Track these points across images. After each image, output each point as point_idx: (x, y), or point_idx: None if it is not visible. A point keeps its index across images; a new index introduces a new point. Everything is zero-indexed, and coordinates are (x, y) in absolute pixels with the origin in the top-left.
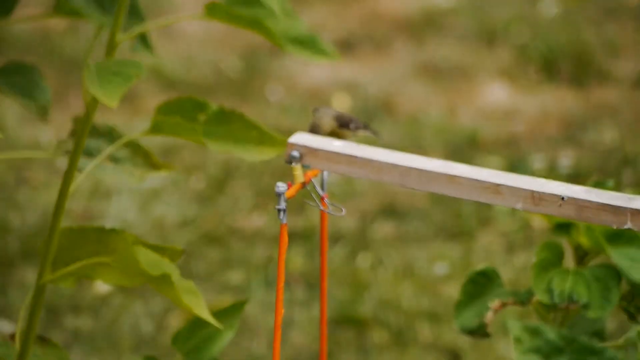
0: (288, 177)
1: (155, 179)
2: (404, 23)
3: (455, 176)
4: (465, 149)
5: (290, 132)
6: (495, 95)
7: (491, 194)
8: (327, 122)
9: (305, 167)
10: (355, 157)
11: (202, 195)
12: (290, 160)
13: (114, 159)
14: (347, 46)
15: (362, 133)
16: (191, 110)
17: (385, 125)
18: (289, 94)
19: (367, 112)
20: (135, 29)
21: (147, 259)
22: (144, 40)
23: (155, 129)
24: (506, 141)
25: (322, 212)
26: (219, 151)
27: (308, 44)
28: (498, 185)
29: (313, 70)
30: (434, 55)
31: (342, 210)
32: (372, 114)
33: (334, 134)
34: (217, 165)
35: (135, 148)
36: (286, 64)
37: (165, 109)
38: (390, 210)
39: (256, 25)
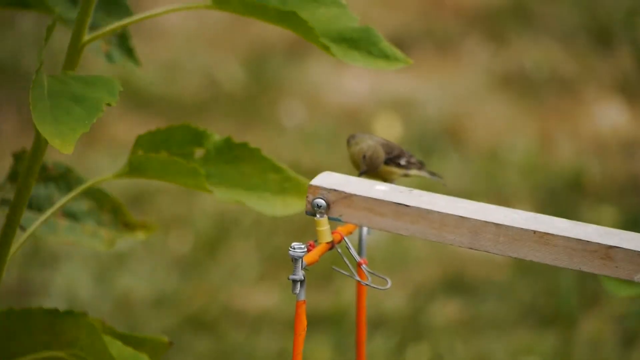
0: (309, 236)
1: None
2: (479, 15)
3: (548, 234)
4: (564, 196)
5: (314, 173)
6: (610, 119)
7: (600, 260)
8: (377, 149)
9: (334, 221)
10: (407, 206)
11: (186, 261)
12: (313, 210)
13: (70, 214)
14: (398, 47)
15: (415, 174)
16: (185, 143)
17: (451, 162)
18: (312, 115)
19: (425, 143)
20: (109, 25)
21: (119, 354)
22: (123, 43)
23: (135, 169)
24: (624, 185)
25: (358, 285)
26: (228, 201)
27: (361, 42)
28: (610, 247)
29: (347, 82)
30: (521, 61)
31: (387, 282)
32: (432, 145)
33: (376, 172)
34: (208, 218)
35: (100, 199)
36: (308, 72)
37: (148, 142)
38: (457, 284)
39: (287, 17)
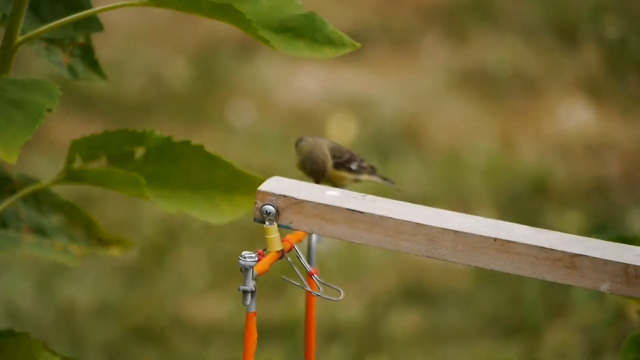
0: (260, 242)
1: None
2: (438, 10)
3: (509, 242)
4: (528, 200)
5: (263, 176)
6: (576, 119)
7: (564, 269)
8: (323, 156)
9: (284, 228)
10: (361, 213)
11: (131, 269)
12: (262, 218)
13: (39, 230)
14: None
15: (366, 179)
16: (123, 145)
17: (409, 165)
18: (262, 116)
19: (382, 145)
20: (43, 24)
21: None
22: (87, 55)
23: (73, 177)
24: (591, 188)
25: (308, 296)
26: (172, 211)
27: (305, 30)
28: (574, 255)
29: (300, 80)
30: (482, 59)
31: (340, 293)
32: (389, 147)
33: (326, 177)
34: (155, 223)
35: (71, 213)
36: (259, 70)
37: (84, 147)
38: (415, 293)
39: (222, 10)
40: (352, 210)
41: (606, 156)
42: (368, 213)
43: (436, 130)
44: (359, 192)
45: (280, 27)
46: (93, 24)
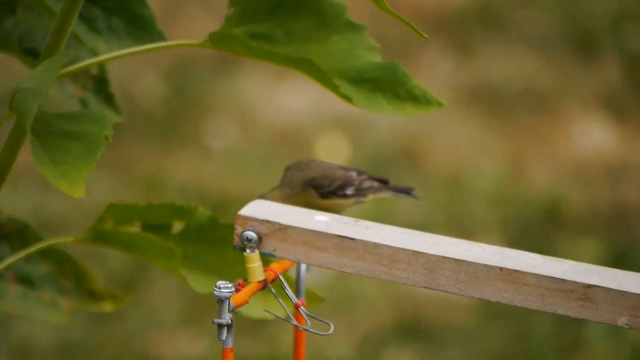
0: (241, 272)
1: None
2: (441, 20)
3: (517, 272)
4: (539, 228)
5: (244, 202)
6: (593, 139)
7: (578, 301)
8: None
9: (267, 256)
10: (352, 240)
11: (96, 301)
12: (243, 245)
13: (25, 279)
14: None
15: (372, 198)
16: (163, 217)
17: None
18: (243, 136)
19: (377, 168)
20: (83, 59)
21: None
22: (101, 89)
23: (100, 238)
24: (609, 215)
25: (296, 331)
26: (202, 291)
27: (386, 83)
28: (589, 287)
29: (284, 97)
30: (490, 73)
31: (329, 327)
32: (385, 170)
33: (315, 206)
34: (121, 255)
35: (61, 261)
36: (239, 86)
37: (121, 212)
38: (413, 329)
39: (300, 64)
40: (343, 236)
41: (626, 180)
42: (360, 240)
43: (437, 152)
44: (353, 217)
45: (357, 77)
46: (153, 34)
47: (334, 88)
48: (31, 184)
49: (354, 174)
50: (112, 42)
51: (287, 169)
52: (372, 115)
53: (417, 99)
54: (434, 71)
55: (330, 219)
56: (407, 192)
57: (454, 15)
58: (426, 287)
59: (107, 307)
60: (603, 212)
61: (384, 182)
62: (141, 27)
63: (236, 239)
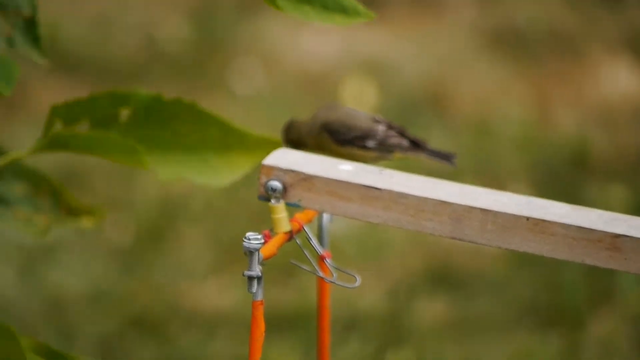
0: (268, 222)
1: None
2: None
3: (544, 222)
4: (567, 174)
5: (261, 133)
6: (620, 82)
7: (606, 251)
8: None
9: (293, 207)
10: (378, 189)
11: (126, 252)
12: (268, 195)
13: (0, 199)
14: (369, 1)
15: (400, 157)
16: (108, 108)
17: (433, 135)
18: (268, 81)
19: (403, 113)
20: None
21: None
22: (30, 30)
23: (55, 144)
24: (637, 160)
25: (320, 282)
26: (170, 178)
27: None
28: (617, 236)
29: (310, 41)
30: (514, 16)
31: (355, 280)
32: (411, 115)
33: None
34: (151, 201)
35: (36, 181)
36: (264, 29)
37: (66, 111)
38: (442, 279)
39: None
40: (368, 186)
41: None
42: (386, 189)
43: (463, 97)
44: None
45: None
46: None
47: None
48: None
49: (381, 127)
50: None
51: (320, 107)
52: (399, 60)
53: (346, 10)
54: (457, 15)
55: (354, 168)
56: (445, 157)
57: None
58: (452, 238)
59: (86, 222)
60: (630, 156)
61: (419, 144)
62: None
63: (261, 189)
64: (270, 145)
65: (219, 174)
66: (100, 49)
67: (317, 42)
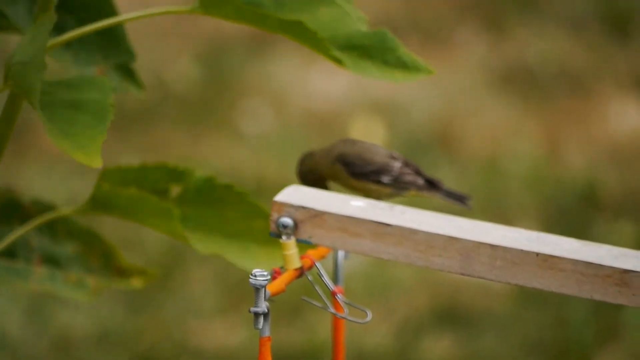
0: (278, 260)
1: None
2: (473, 0)
3: (553, 257)
4: (576, 211)
5: (280, 188)
6: (629, 121)
7: (615, 286)
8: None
9: (304, 243)
10: (388, 225)
11: (134, 291)
12: (279, 231)
13: (50, 259)
14: None
15: (415, 195)
16: (159, 181)
17: (443, 173)
18: (277, 120)
19: (412, 151)
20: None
21: None
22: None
23: (99, 205)
24: None
25: (334, 319)
26: (207, 253)
27: (375, 50)
28: (625, 272)
29: (319, 81)
30: (524, 54)
31: (367, 315)
32: (421, 153)
33: (349, 187)
34: (160, 240)
35: (88, 240)
36: (273, 70)
37: (116, 176)
38: (450, 316)
39: (291, 27)
40: (379, 222)
41: None
42: (396, 225)
43: (473, 135)
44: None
45: (346, 44)
46: (122, 51)
47: (325, 51)
48: (67, 170)
49: (397, 163)
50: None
51: (338, 140)
52: (407, 99)
53: (406, 65)
54: (467, 53)
55: (365, 204)
56: (460, 199)
57: None
58: (462, 274)
59: (136, 283)
60: (639, 194)
61: (434, 183)
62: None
63: (272, 226)
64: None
65: (258, 262)
66: None
67: (325, 81)
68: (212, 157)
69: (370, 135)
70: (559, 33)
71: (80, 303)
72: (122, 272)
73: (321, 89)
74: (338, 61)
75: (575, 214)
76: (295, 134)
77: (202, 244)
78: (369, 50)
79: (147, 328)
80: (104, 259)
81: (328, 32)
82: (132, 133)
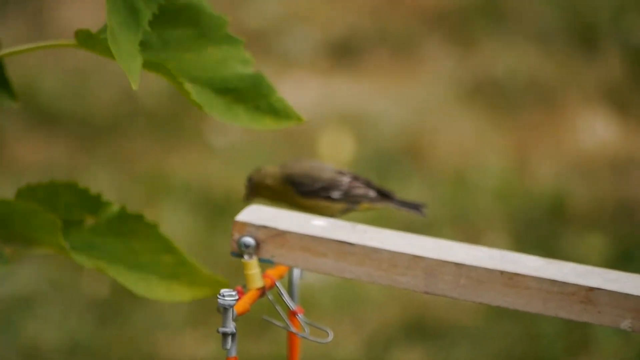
0: (241, 277)
1: (25, 277)
2: (442, 13)
3: (518, 275)
4: (545, 224)
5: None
6: (597, 133)
7: (580, 304)
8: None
9: (265, 262)
10: (351, 245)
11: (103, 303)
12: (240, 251)
13: None
14: (347, 52)
15: (367, 207)
16: (75, 207)
17: (411, 186)
18: (246, 134)
19: (381, 164)
20: None
21: None
22: None
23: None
24: (615, 211)
25: (291, 337)
26: (88, 266)
27: (249, 94)
28: (590, 289)
29: (288, 93)
30: (493, 67)
31: (328, 335)
32: (389, 166)
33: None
34: None
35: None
36: None
37: (30, 197)
38: (419, 330)
39: (155, 67)
40: (341, 241)
41: (632, 175)
42: (359, 244)
43: (441, 148)
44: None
45: (221, 87)
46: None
47: (186, 94)
48: None
49: (345, 178)
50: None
51: (287, 161)
52: (376, 112)
53: (277, 112)
54: (436, 66)
55: (327, 224)
56: (414, 207)
57: (455, 9)
58: (426, 292)
59: (50, 249)
60: (608, 207)
61: (387, 194)
62: None
63: (233, 245)
64: (217, 285)
65: (157, 296)
66: (77, 102)
67: (294, 94)
68: (182, 170)
69: (338, 147)
70: (527, 46)
71: (49, 313)
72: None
73: (290, 101)
74: (199, 105)
75: (544, 226)
76: (264, 147)
77: (85, 260)
78: (243, 94)
79: (116, 340)
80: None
81: (210, 73)
82: (101, 146)
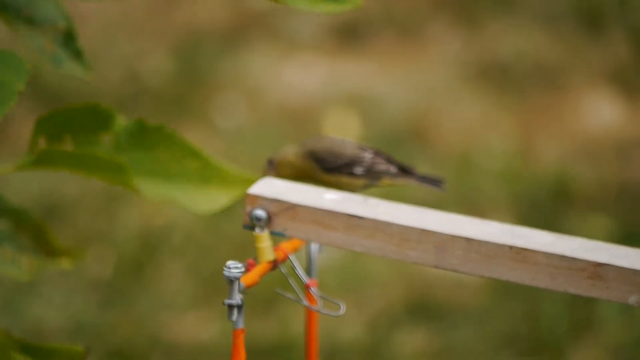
0: (251, 254)
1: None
2: None
3: (527, 251)
4: (549, 205)
5: (252, 181)
6: (602, 115)
7: (588, 280)
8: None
9: (277, 236)
10: (362, 218)
11: (107, 285)
12: (252, 224)
13: None
14: (353, 34)
15: (388, 184)
16: (90, 127)
17: (417, 167)
18: (252, 114)
19: (387, 146)
20: None
21: None
22: (70, 44)
23: (41, 160)
24: (619, 192)
25: (307, 311)
26: (156, 199)
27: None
28: (599, 265)
29: (294, 75)
30: (499, 49)
31: (340, 308)
32: (395, 148)
33: (323, 182)
34: (132, 234)
35: (19, 217)
36: (248, 63)
37: (51, 125)
38: (424, 309)
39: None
40: (353, 215)
41: (637, 157)
42: (370, 218)
43: (447, 129)
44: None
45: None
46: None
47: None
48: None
49: (367, 154)
50: None
51: (307, 138)
52: (382, 93)
53: None
54: (442, 48)
55: (339, 197)
56: (434, 182)
57: None
58: (436, 267)
59: (65, 264)
60: (612, 188)
61: (407, 170)
62: None
63: (245, 218)
64: (247, 183)
65: (197, 204)
66: (83, 83)
67: (300, 75)
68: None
69: (344, 129)
70: (533, 28)
71: (53, 295)
72: (52, 252)
73: (296, 83)
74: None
75: (549, 207)
76: (270, 128)
77: (147, 190)
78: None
79: (120, 322)
80: (34, 238)
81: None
82: None
